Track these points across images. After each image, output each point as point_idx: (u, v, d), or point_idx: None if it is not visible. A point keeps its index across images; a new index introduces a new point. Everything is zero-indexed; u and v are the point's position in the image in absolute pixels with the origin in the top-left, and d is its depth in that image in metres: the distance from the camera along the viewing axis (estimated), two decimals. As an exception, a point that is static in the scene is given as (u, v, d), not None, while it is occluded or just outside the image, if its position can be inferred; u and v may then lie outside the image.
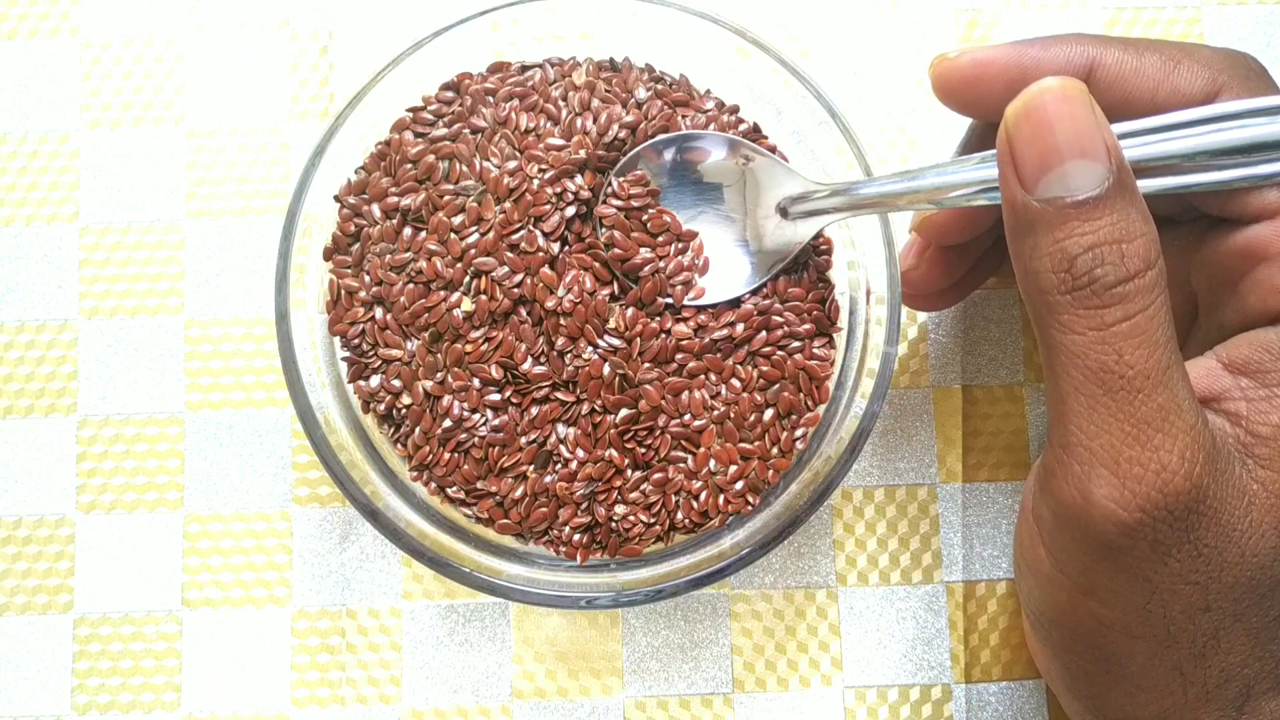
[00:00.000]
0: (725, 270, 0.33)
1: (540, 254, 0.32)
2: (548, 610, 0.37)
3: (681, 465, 0.32)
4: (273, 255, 0.32)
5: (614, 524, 0.32)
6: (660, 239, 0.33)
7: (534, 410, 0.32)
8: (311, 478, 0.37)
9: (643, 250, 0.32)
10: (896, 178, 0.30)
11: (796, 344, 0.33)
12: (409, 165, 0.33)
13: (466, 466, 0.32)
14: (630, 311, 0.32)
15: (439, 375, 0.32)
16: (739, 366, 0.33)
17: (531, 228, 0.32)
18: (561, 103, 0.33)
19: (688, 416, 0.32)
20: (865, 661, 0.37)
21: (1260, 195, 0.27)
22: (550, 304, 0.32)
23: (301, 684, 0.36)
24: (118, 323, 0.38)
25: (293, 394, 0.31)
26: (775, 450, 0.32)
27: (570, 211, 0.32)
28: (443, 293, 0.32)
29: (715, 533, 0.33)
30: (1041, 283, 0.25)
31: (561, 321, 0.32)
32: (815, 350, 0.33)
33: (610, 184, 0.33)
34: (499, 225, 0.32)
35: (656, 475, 0.32)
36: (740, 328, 0.32)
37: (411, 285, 0.32)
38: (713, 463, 0.32)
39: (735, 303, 0.33)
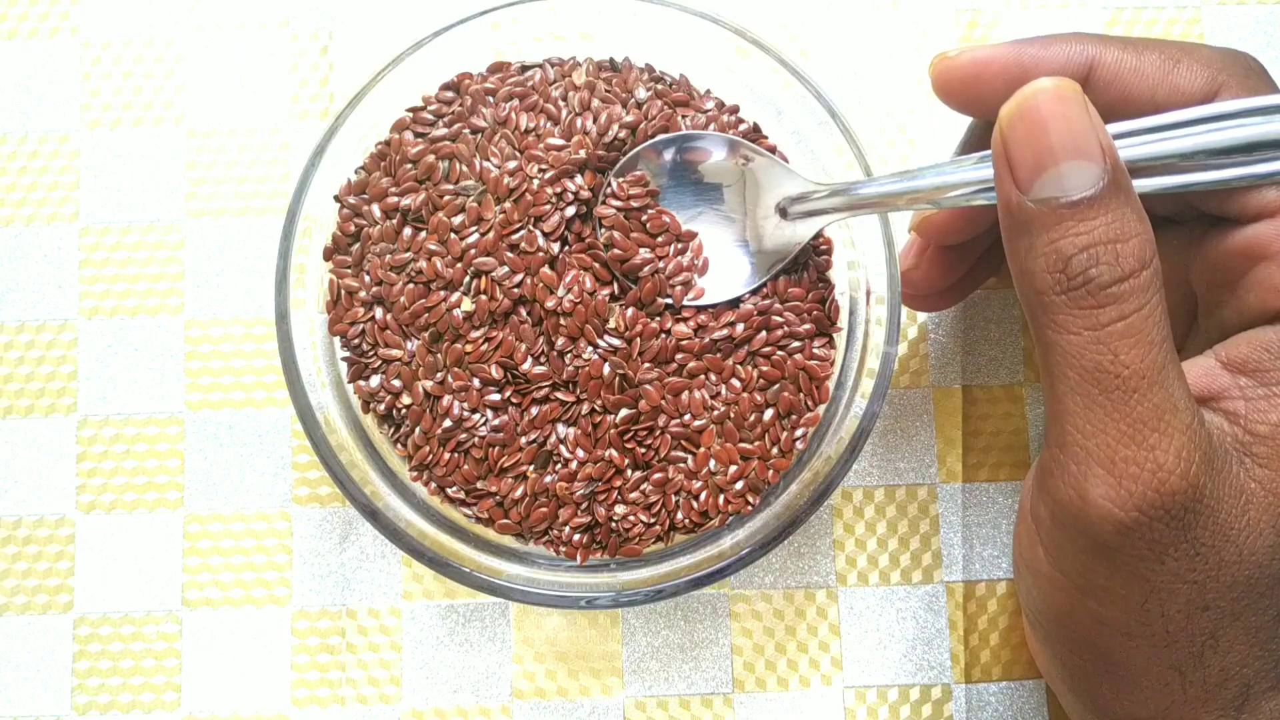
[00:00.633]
0: (725, 270, 0.33)
1: (540, 254, 0.32)
2: (548, 610, 0.37)
3: (681, 465, 0.32)
4: (273, 255, 0.32)
5: (614, 524, 0.32)
6: (660, 239, 0.33)
7: (534, 410, 0.32)
8: (311, 478, 0.37)
9: (642, 250, 0.32)
10: (896, 178, 0.30)
11: (796, 344, 0.33)
12: (409, 165, 0.33)
13: (466, 466, 0.32)
14: (630, 311, 0.32)
15: (439, 375, 0.32)
16: (739, 366, 0.33)
17: (531, 228, 0.32)
18: (561, 103, 0.33)
19: (688, 416, 0.32)
20: (865, 661, 0.37)
21: (1259, 194, 0.27)
22: (550, 304, 0.32)
23: (301, 684, 0.36)
24: (118, 323, 0.38)
25: (293, 394, 0.31)
26: (775, 450, 0.32)
27: (570, 211, 0.32)
28: (443, 293, 0.32)
29: (715, 533, 0.33)
30: (1037, 283, 0.25)
31: (561, 321, 0.32)
32: (815, 350, 0.33)
33: (610, 184, 0.33)
34: (499, 225, 0.32)
35: (656, 475, 0.32)
36: (740, 328, 0.32)
37: (411, 285, 0.32)
38: (713, 463, 0.32)
39: (735, 303, 0.33)
